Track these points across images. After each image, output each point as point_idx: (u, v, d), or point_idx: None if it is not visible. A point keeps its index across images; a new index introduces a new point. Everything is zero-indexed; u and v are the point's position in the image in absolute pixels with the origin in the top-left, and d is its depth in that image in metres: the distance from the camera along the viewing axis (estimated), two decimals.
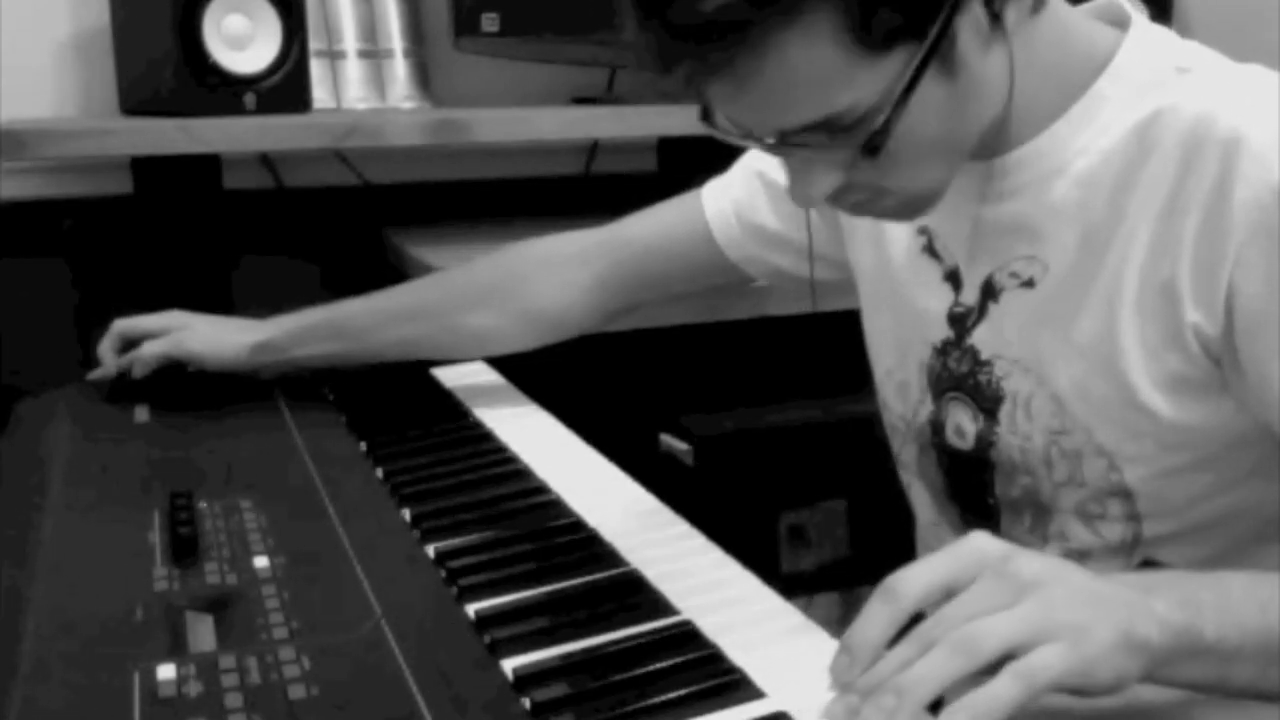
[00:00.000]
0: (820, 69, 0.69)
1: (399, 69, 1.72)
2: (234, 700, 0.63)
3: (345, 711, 0.62)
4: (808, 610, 0.73)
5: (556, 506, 0.90)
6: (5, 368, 1.53)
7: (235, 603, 0.74)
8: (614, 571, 0.79)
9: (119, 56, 1.59)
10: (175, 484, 0.92)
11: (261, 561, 0.79)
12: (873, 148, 0.72)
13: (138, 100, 1.56)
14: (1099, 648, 0.59)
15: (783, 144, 0.74)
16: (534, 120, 1.57)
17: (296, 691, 0.64)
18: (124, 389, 1.17)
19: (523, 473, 0.97)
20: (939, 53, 0.70)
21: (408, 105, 1.72)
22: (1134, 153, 0.78)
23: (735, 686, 0.65)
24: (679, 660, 0.67)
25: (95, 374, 1.20)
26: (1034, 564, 0.61)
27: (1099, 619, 0.59)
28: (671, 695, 0.64)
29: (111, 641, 0.69)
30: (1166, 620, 0.61)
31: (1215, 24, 1.89)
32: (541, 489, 0.94)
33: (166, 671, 0.66)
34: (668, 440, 1.60)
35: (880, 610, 0.60)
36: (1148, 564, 0.84)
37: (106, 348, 1.20)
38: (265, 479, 0.95)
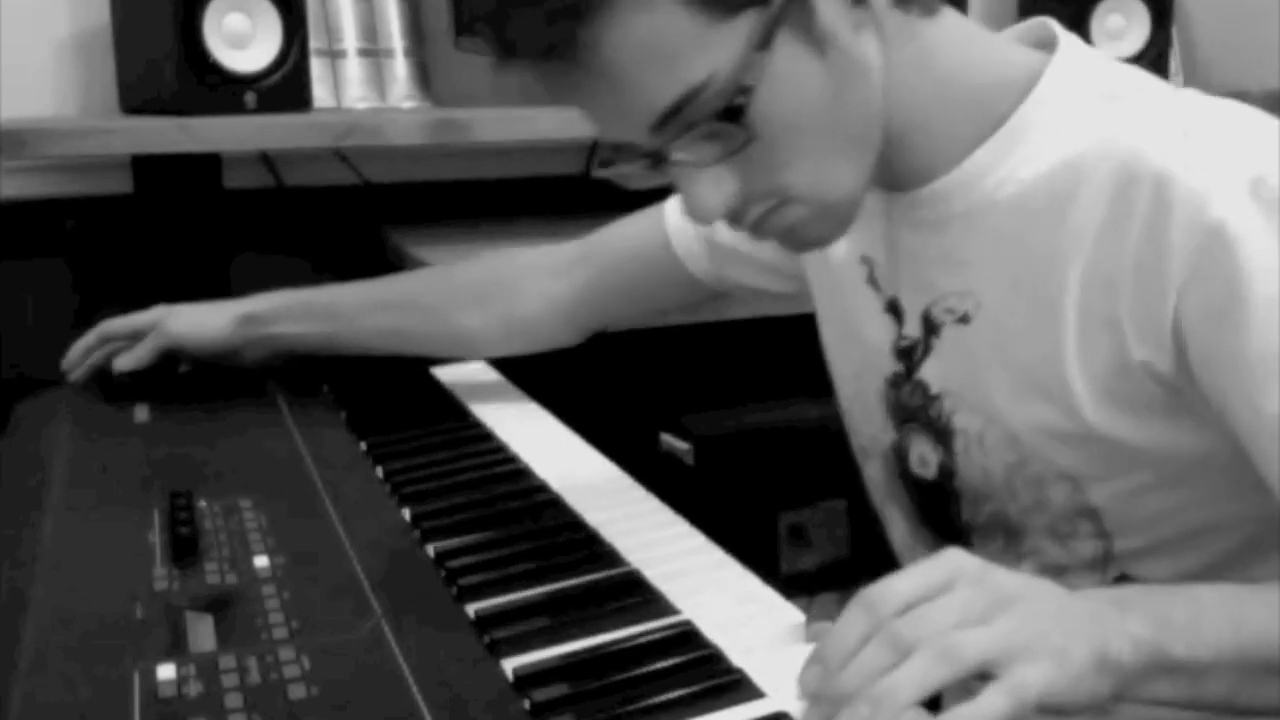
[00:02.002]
0: (667, 39, 0.68)
1: (399, 68, 1.72)
2: (234, 700, 0.63)
3: (345, 711, 0.62)
4: (808, 610, 0.73)
5: (556, 506, 0.90)
6: (5, 368, 1.53)
7: (235, 603, 0.74)
8: (614, 571, 0.79)
9: (119, 56, 1.59)
10: (175, 484, 0.92)
11: (261, 561, 0.79)
12: (738, 116, 0.69)
13: (138, 99, 1.56)
14: (1079, 667, 0.58)
15: (660, 148, 0.72)
16: (534, 120, 1.57)
17: (296, 691, 0.64)
18: (124, 389, 1.17)
19: (523, 473, 0.97)
20: (796, 19, 0.69)
21: (408, 105, 1.72)
22: (1063, 187, 0.75)
23: (735, 687, 0.65)
24: (679, 660, 0.67)
25: (76, 375, 1.19)
26: (1011, 579, 0.61)
27: (1076, 638, 0.59)
28: (671, 695, 0.63)
29: (111, 641, 0.69)
30: (1139, 638, 0.61)
31: (1215, 24, 1.89)
32: (541, 489, 0.94)
33: (166, 671, 0.66)
34: (668, 440, 1.60)
35: (858, 621, 0.59)
36: (1124, 579, 0.82)
37: (80, 348, 1.19)
38: (265, 479, 0.95)
